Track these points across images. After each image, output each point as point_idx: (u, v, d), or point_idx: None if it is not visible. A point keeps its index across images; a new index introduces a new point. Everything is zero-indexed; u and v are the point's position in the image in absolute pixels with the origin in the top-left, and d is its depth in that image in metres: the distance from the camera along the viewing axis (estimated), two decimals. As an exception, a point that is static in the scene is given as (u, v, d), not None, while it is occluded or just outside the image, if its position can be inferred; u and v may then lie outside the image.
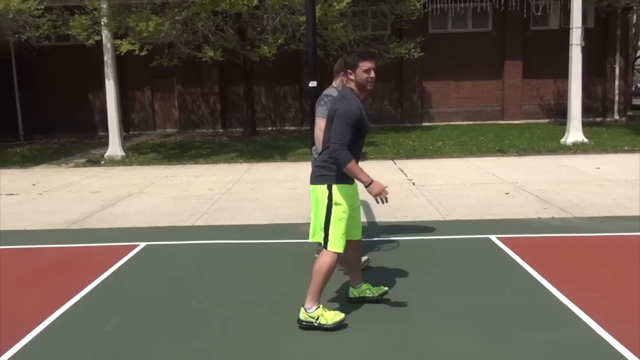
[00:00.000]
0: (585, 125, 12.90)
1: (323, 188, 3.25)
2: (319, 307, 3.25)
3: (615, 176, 8.22)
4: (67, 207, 7.28)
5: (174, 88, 18.87)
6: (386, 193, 3.16)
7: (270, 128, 19.04)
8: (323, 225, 3.25)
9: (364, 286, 3.64)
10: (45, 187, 8.84)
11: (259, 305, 3.72)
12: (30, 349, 3.18)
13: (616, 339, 3.04)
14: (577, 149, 11.36)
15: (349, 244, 3.40)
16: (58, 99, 18.44)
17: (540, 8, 17.12)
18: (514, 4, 16.99)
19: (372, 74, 3.28)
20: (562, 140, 12.22)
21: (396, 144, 12.96)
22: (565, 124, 12.78)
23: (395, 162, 10.54)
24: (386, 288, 3.66)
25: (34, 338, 3.30)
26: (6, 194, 8.33)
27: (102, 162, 11.65)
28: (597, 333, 3.13)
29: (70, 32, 12.34)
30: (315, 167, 3.37)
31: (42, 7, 12.04)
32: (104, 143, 14.26)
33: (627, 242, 4.97)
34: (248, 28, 14.50)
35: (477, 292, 3.83)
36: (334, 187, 3.23)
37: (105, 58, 11.70)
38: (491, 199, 6.96)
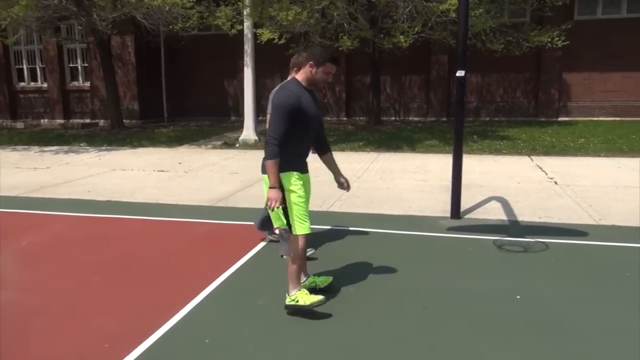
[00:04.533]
0: None
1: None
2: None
3: None
4: (210, 185, 7.83)
5: (301, 76, 19.46)
6: (276, 205, 3.24)
7: (393, 118, 18.85)
8: (282, 212, 3.38)
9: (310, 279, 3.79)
10: (190, 166, 9.61)
11: (411, 296, 3.69)
12: (194, 316, 3.47)
13: None
14: None
15: None
16: (196, 84, 19.92)
17: None
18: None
19: (330, 79, 3.42)
20: None
21: (531, 139, 12.14)
22: None
23: (532, 159, 9.87)
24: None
25: (195, 306, 3.60)
26: (157, 170, 9.20)
27: (237, 145, 12.37)
28: None
29: (215, 23, 13.19)
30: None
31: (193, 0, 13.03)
32: (237, 127, 15.15)
33: None
34: (379, 17, 14.40)
35: (649, 308, 3.44)
36: (281, 175, 3.31)
37: (245, 47, 12.34)
38: (652, 205, 6.23)
